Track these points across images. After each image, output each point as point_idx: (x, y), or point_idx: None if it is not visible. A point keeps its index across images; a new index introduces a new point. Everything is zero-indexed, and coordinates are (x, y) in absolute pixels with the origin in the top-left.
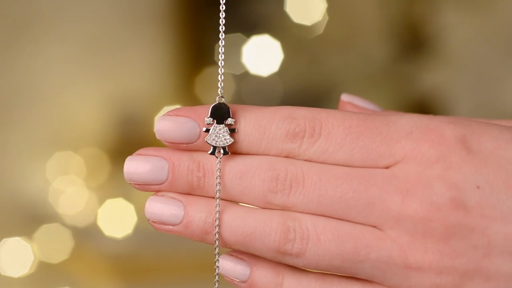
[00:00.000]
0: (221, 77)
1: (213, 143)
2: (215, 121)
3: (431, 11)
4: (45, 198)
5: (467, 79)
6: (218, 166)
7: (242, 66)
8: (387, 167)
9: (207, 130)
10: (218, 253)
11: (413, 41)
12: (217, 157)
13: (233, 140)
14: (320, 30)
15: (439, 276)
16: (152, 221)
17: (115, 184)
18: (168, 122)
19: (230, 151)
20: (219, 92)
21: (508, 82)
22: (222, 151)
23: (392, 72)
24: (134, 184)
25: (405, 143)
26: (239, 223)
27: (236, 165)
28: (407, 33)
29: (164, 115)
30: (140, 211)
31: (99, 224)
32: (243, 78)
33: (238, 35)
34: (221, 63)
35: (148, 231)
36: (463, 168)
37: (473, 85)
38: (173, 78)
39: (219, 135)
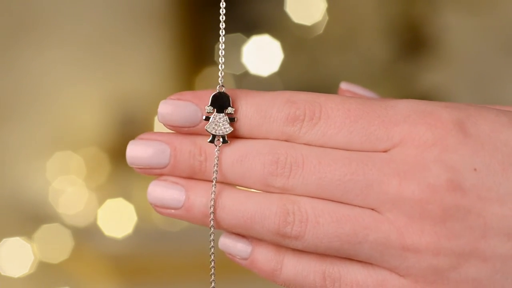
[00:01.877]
0: (221, 66)
1: (213, 132)
2: (215, 109)
3: (431, 11)
4: (45, 198)
5: (467, 79)
6: (217, 155)
7: (242, 66)
8: (385, 150)
9: (207, 119)
10: (213, 234)
11: (413, 41)
12: (216, 146)
13: (232, 129)
14: (320, 30)
15: (436, 257)
16: (155, 205)
17: (115, 184)
18: (170, 106)
19: (231, 137)
20: (220, 81)
21: (508, 82)
22: (221, 139)
23: (392, 72)
24: (136, 168)
25: (403, 127)
26: (239, 206)
27: (237, 149)
28: (407, 33)
29: (166, 99)
30: (140, 211)
31: (99, 224)
32: (243, 78)
33: (238, 35)
34: (221, 52)
35: (148, 231)
36: (460, 151)
37: (473, 85)
38: (173, 78)
39: (219, 123)
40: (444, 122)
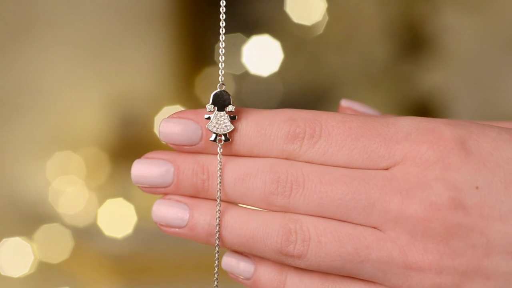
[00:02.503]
0: (221, 64)
1: (214, 130)
2: (216, 108)
3: (431, 11)
4: (45, 198)
5: (467, 79)
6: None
7: (242, 66)
8: (386, 168)
9: (209, 118)
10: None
11: (413, 41)
12: (218, 144)
13: (233, 127)
14: (320, 30)
15: (439, 276)
16: (160, 224)
17: (115, 184)
18: (171, 124)
19: (232, 152)
20: (220, 80)
21: (508, 82)
22: (223, 137)
23: (392, 72)
24: (141, 187)
25: (404, 144)
26: (242, 225)
27: (238, 167)
28: (407, 33)
29: (167, 117)
30: (140, 211)
31: (99, 224)
32: (243, 78)
33: (238, 35)
34: (221, 51)
35: (148, 231)
36: (462, 169)
37: (473, 85)
38: (173, 78)
39: (220, 122)
40: (446, 140)
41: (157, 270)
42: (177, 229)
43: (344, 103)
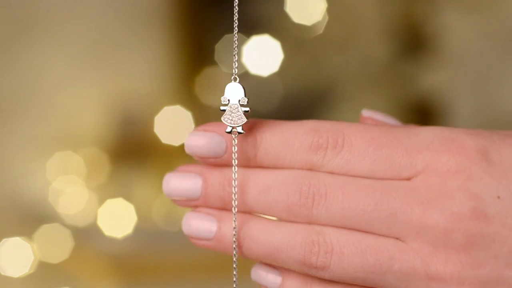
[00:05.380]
0: (235, 56)
1: (229, 123)
2: (229, 100)
3: (431, 11)
4: (45, 198)
5: (467, 79)
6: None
7: (242, 66)
8: (408, 178)
9: (223, 110)
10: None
11: (413, 41)
12: (233, 136)
13: (246, 120)
14: (320, 30)
15: (461, 286)
16: (190, 237)
17: (115, 184)
18: (196, 138)
19: (257, 163)
20: (233, 71)
21: (508, 82)
22: (237, 130)
23: (392, 72)
24: (173, 199)
25: (426, 154)
26: (266, 236)
27: (262, 179)
28: (407, 33)
29: (193, 130)
30: (140, 211)
31: (99, 224)
32: (243, 78)
33: (238, 35)
34: (235, 43)
35: (148, 231)
36: (484, 179)
37: (473, 85)
38: (173, 78)
39: (233, 114)
40: (468, 149)
41: (157, 270)
42: (206, 241)
43: (365, 113)
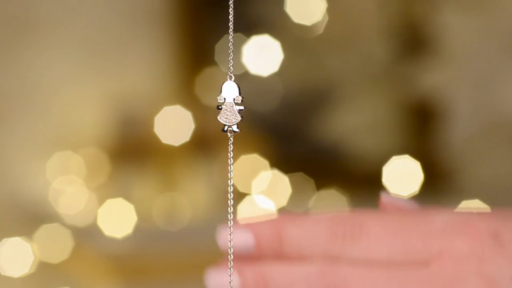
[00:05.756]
0: (230, 54)
1: (225, 122)
2: (225, 99)
3: (431, 11)
4: (45, 198)
5: (467, 79)
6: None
7: (242, 66)
8: (425, 262)
9: (220, 109)
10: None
11: (413, 41)
12: (228, 134)
13: (241, 118)
14: (320, 30)
15: None
16: None
17: (115, 184)
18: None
19: (283, 254)
20: (229, 70)
21: (508, 82)
22: (233, 128)
23: (392, 72)
24: None
25: (440, 240)
26: None
27: (287, 274)
28: (407, 33)
29: (224, 226)
30: (140, 211)
31: (99, 224)
32: (243, 78)
33: (238, 35)
34: (231, 42)
35: (148, 231)
36: (497, 261)
37: (473, 85)
38: (173, 78)
39: (229, 113)
40: (480, 232)
41: (157, 270)
42: None
43: (385, 198)
